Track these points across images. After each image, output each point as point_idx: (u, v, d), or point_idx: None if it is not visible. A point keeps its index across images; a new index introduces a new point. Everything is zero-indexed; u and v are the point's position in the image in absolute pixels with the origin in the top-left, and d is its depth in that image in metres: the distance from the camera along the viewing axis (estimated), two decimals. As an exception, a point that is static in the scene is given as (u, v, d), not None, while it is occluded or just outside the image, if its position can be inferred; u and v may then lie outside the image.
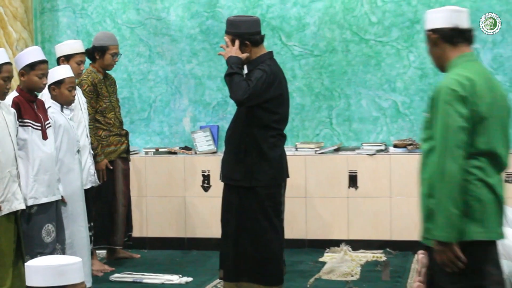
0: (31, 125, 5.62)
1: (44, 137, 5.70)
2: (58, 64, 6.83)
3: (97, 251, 7.22)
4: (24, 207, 5.36)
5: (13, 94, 5.71)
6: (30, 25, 8.18)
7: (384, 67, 7.87)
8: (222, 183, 5.94)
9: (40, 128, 5.68)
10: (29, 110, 5.66)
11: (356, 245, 7.56)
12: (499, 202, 3.92)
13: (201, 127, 8.09)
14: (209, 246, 7.58)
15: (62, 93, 6.16)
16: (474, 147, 3.89)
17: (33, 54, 5.75)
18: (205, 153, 7.91)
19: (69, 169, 6.12)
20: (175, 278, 6.75)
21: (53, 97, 6.13)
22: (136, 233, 7.69)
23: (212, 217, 7.54)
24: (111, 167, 7.12)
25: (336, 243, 7.44)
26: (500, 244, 4.76)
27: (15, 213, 5.29)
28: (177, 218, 7.90)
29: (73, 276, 3.19)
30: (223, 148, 6.04)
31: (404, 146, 7.61)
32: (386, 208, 7.54)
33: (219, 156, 6.24)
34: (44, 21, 8.43)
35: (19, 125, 5.56)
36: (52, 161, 5.77)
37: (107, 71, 7.27)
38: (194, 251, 7.80)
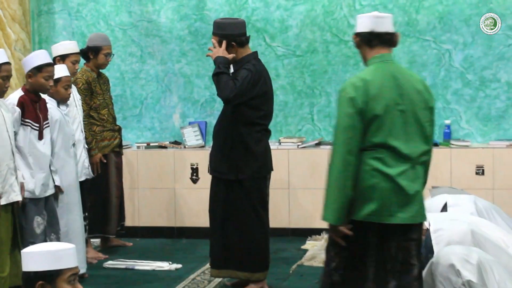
0: (30, 125, 5.66)
1: (40, 137, 5.73)
2: (54, 63, 6.84)
3: (91, 240, 7.23)
4: (20, 199, 5.38)
5: (18, 93, 5.74)
6: (28, 26, 8.18)
7: (362, 66, 7.80)
8: (210, 176, 5.98)
9: (38, 128, 5.71)
10: (31, 110, 5.69)
11: None
12: (398, 190, 4.11)
13: (190, 123, 8.10)
14: (198, 235, 7.59)
15: (59, 91, 6.20)
16: (370, 141, 4.12)
17: (40, 57, 5.81)
18: (194, 147, 7.92)
19: (64, 162, 6.15)
20: (165, 265, 6.75)
21: (50, 94, 6.15)
22: (128, 222, 7.69)
23: (200, 208, 7.55)
24: (105, 161, 7.14)
25: (317, 231, 7.45)
26: (470, 232, 4.87)
27: (11, 204, 5.31)
28: (167, 209, 7.90)
29: (67, 261, 3.21)
30: (211, 143, 6.06)
31: (381, 141, 7.66)
32: (364, 199, 7.58)
33: (207, 150, 6.26)
34: (41, 23, 8.40)
35: (20, 124, 5.61)
36: (47, 161, 5.80)
37: (100, 70, 7.28)
38: (183, 240, 7.80)
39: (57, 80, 6.15)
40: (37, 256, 3.20)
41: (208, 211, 5.96)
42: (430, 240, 4.97)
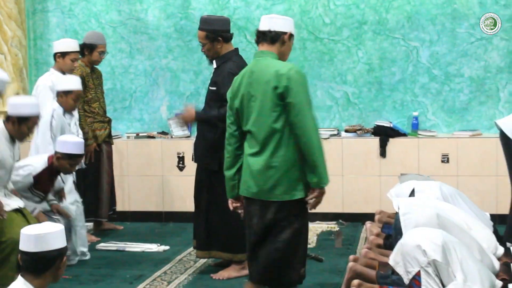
0: (37, 194, 5.79)
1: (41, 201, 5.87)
2: (55, 59, 6.85)
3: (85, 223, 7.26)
4: (23, 205, 5.45)
5: (43, 162, 5.77)
6: (23, 24, 8.17)
7: (336, 62, 7.93)
8: (195, 164, 6.01)
9: (42, 197, 5.84)
10: (44, 184, 5.79)
11: (313, 217, 7.49)
12: (249, 168, 4.57)
13: (176, 114, 8.04)
14: (184, 219, 7.60)
15: (68, 102, 6.24)
16: (241, 128, 4.60)
17: (77, 147, 5.78)
18: (180, 137, 7.92)
19: None
20: (154, 247, 6.78)
21: (59, 102, 6.20)
22: (119, 207, 7.71)
23: (186, 193, 7.56)
24: (98, 149, 7.17)
25: None
26: (435, 216, 4.94)
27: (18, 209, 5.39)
28: (156, 194, 7.91)
29: (55, 242, 3.32)
30: (195, 133, 6.08)
31: (354, 131, 7.67)
32: (338, 185, 7.60)
33: (192, 140, 6.25)
34: (36, 21, 8.38)
35: (30, 192, 5.75)
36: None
37: (94, 66, 7.30)
38: (170, 223, 7.82)
39: (68, 92, 6.21)
40: (28, 238, 3.30)
41: (193, 197, 5.98)
42: (399, 223, 5.03)
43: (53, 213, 5.90)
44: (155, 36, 8.19)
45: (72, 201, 6.26)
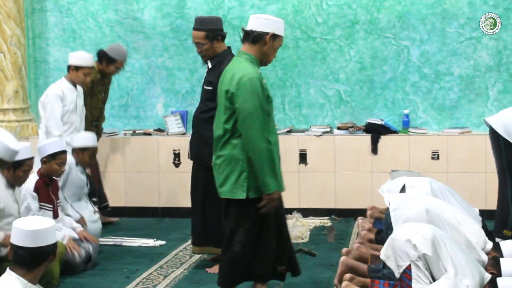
0: (45, 207, 5.75)
1: (55, 216, 5.79)
2: (68, 70, 6.82)
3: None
4: None
5: (34, 177, 5.75)
6: (22, 23, 8.15)
7: (329, 61, 7.93)
8: (191, 160, 5.99)
9: (52, 209, 5.79)
10: (45, 194, 5.76)
11: (306, 212, 7.62)
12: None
13: (172, 112, 8.08)
14: (180, 214, 7.62)
15: (84, 159, 6.30)
16: None
17: (55, 145, 5.82)
18: (176, 134, 7.90)
19: None
20: (150, 242, 6.78)
21: (75, 158, 6.33)
22: (116, 203, 7.70)
23: (182, 189, 7.58)
24: None
25: (289, 211, 7.31)
26: (425, 211, 4.95)
27: None
28: (152, 190, 7.89)
29: (50, 238, 3.34)
30: (191, 130, 6.08)
31: (346, 128, 7.67)
32: (331, 181, 7.62)
33: (188, 137, 6.25)
34: (34, 20, 8.35)
35: (39, 208, 5.72)
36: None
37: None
38: (166, 219, 7.80)
39: (84, 149, 6.30)
40: (22, 233, 3.30)
41: (190, 193, 5.98)
42: (390, 218, 5.05)
43: (81, 240, 5.92)
44: (151, 35, 8.17)
45: (95, 219, 6.32)
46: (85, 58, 6.82)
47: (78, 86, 6.84)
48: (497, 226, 5.77)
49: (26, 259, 3.31)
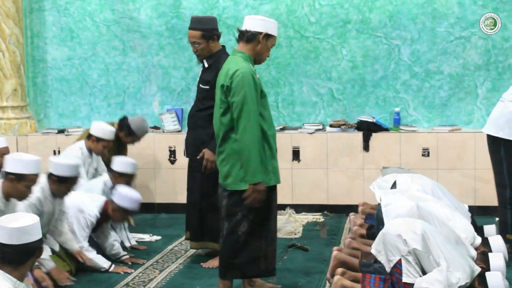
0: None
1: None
2: (88, 138, 6.75)
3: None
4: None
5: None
6: (20, 22, 8.14)
7: (321, 59, 7.92)
8: (186, 157, 5.98)
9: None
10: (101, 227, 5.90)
11: (299, 208, 7.63)
12: None
13: (168, 110, 8.08)
14: (175, 210, 7.63)
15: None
16: None
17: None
18: (171, 131, 7.91)
19: None
20: (146, 237, 6.78)
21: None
22: (113, 199, 7.70)
23: (178, 186, 7.58)
24: None
25: (282, 207, 7.42)
26: (416, 207, 4.95)
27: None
28: (148, 186, 7.88)
29: (35, 234, 3.30)
30: (186, 128, 6.06)
31: (338, 126, 7.67)
32: (323, 178, 7.63)
33: (184, 134, 6.23)
34: (32, 19, 8.33)
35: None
36: None
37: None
38: (162, 214, 7.80)
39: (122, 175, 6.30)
40: (6, 231, 3.26)
41: (186, 190, 5.97)
42: (381, 213, 5.06)
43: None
44: (147, 34, 8.16)
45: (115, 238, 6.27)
46: (107, 132, 6.76)
47: (93, 154, 6.81)
48: (501, 231, 5.77)
49: (12, 257, 3.26)
